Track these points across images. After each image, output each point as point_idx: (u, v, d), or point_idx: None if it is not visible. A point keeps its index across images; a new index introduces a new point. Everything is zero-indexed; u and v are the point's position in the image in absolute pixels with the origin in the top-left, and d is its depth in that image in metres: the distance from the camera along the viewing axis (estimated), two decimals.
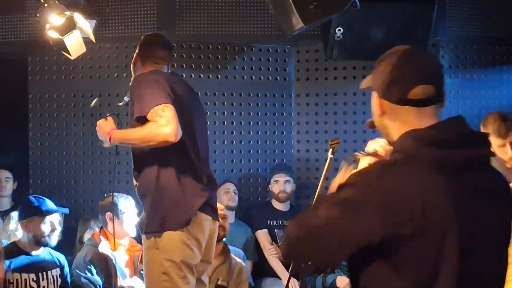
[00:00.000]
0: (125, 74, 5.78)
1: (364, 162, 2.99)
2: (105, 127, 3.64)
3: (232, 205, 5.96)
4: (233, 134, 6.39)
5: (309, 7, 3.23)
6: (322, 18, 3.37)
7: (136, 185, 3.74)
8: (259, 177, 6.48)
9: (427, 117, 2.00)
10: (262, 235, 5.94)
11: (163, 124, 3.35)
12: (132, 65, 3.92)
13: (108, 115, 3.72)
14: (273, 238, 5.91)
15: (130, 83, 3.78)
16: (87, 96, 6.02)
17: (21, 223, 4.60)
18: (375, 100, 2.10)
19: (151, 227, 3.58)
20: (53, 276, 4.59)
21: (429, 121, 1.99)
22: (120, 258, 4.76)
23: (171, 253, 3.53)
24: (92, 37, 3.91)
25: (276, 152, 6.51)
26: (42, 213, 4.52)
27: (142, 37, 4.02)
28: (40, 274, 4.54)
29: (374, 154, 2.95)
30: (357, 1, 3.46)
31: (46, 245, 4.57)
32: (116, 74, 6.03)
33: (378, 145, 2.99)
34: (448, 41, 6.12)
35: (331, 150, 3.28)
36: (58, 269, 4.66)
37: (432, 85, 2.01)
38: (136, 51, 3.91)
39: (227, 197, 5.97)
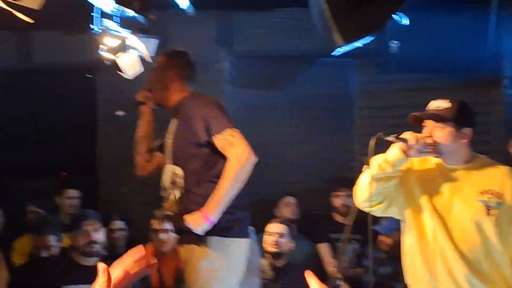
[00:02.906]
0: None
1: (395, 147, 3.09)
2: (194, 216, 3.53)
3: (293, 218, 5.99)
4: (294, 147, 6.43)
5: (350, 24, 3.25)
6: (363, 36, 3.38)
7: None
8: (321, 190, 6.48)
9: None
10: (323, 249, 5.93)
11: (240, 153, 3.44)
12: (163, 82, 3.84)
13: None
14: (334, 252, 5.89)
15: (183, 104, 3.74)
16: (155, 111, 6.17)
17: None
18: None
19: None
20: None
21: None
22: None
23: None
24: (148, 57, 4.03)
25: (337, 164, 6.50)
26: None
27: (171, 53, 3.95)
28: None
29: (404, 140, 3.06)
30: (400, 18, 3.45)
31: None
32: None
33: (410, 135, 3.06)
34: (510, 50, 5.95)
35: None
36: None
37: None
38: (172, 68, 3.84)
39: (287, 210, 6.00)
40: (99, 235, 4.76)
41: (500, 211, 3.11)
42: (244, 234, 3.67)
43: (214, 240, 3.56)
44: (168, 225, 5.02)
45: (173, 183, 3.76)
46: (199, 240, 3.57)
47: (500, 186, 3.14)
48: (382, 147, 3.19)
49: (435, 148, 3.17)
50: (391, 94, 6.37)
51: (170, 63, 3.87)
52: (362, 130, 6.49)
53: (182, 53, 3.96)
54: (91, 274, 4.63)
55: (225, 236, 3.57)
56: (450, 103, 3.19)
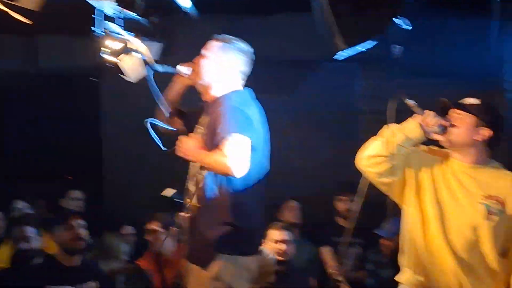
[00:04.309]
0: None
1: (414, 122, 3.08)
2: (187, 143, 3.52)
3: (296, 222, 6.00)
4: (299, 151, 6.44)
5: (351, 28, 3.26)
6: (365, 40, 3.39)
7: None
8: (324, 194, 6.49)
9: None
10: (326, 252, 5.94)
11: (225, 155, 3.29)
12: (212, 68, 3.65)
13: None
14: (337, 255, 5.90)
15: (219, 101, 3.56)
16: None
17: None
18: None
19: None
20: None
21: None
22: None
23: None
24: (152, 60, 4.01)
25: (341, 169, 6.49)
26: None
27: (228, 39, 3.73)
28: None
29: (422, 111, 3.05)
30: (402, 22, 3.46)
31: None
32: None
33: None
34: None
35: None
36: None
37: None
38: (222, 55, 3.65)
39: (290, 214, 6.01)
40: (84, 231, 4.70)
41: (500, 219, 3.13)
42: (252, 251, 3.60)
43: (223, 257, 3.45)
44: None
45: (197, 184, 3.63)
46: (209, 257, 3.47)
47: (505, 194, 3.16)
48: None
49: (449, 135, 3.17)
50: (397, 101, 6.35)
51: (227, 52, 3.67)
52: (366, 135, 6.44)
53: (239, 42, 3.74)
54: (75, 275, 4.66)
55: (233, 253, 3.46)
56: (480, 101, 3.22)
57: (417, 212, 3.24)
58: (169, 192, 4.08)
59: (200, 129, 3.69)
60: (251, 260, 3.55)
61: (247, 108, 3.55)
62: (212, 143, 3.42)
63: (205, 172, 3.54)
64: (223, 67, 3.65)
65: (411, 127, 3.17)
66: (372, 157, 3.21)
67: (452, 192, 3.20)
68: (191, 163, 3.70)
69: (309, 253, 5.92)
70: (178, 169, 5.39)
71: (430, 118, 3.13)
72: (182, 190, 3.75)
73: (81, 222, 4.72)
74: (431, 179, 3.23)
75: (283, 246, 5.09)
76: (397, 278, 3.39)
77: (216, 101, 3.60)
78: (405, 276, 3.34)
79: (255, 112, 3.64)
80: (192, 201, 3.61)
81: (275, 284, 5.07)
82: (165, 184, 6.33)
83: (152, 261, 5.15)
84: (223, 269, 3.42)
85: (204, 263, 3.46)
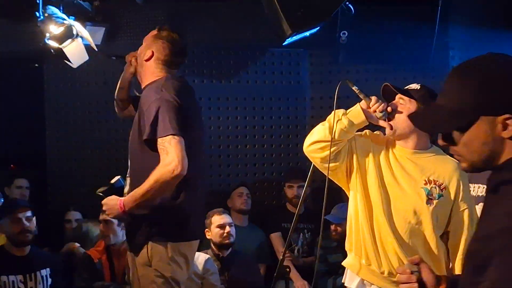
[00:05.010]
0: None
1: (358, 108, 3.10)
2: (112, 201, 3.50)
3: (245, 208, 5.99)
4: (247, 138, 6.42)
5: (297, 14, 3.24)
6: (311, 25, 3.37)
7: None
8: (274, 181, 6.49)
9: None
10: (276, 238, 5.95)
11: (167, 163, 3.32)
12: (141, 60, 3.68)
13: (101, 192, 3.60)
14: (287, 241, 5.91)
15: (145, 90, 3.62)
16: (102, 102, 6.10)
17: None
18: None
19: None
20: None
21: None
22: None
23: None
24: (94, 45, 3.94)
25: (290, 155, 6.51)
26: None
27: (161, 31, 3.71)
28: None
29: (367, 97, 3.07)
30: (351, 7, 3.45)
31: None
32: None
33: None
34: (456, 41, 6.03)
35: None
36: None
37: None
38: (151, 47, 3.66)
39: (240, 200, 5.99)
40: (32, 224, 4.68)
41: (439, 203, 3.20)
42: (187, 237, 3.63)
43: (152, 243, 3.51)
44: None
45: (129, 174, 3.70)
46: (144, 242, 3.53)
47: (446, 179, 3.23)
48: None
49: (392, 121, 3.19)
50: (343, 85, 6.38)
51: (155, 41, 3.70)
52: (314, 121, 6.48)
53: (172, 35, 3.73)
54: (25, 264, 4.62)
55: (162, 240, 3.51)
56: (420, 86, 3.24)
57: (362, 197, 3.27)
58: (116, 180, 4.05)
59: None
60: (186, 246, 3.58)
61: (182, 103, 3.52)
62: (136, 133, 3.49)
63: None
64: (149, 56, 3.68)
65: (355, 113, 3.18)
66: (316, 142, 3.22)
67: (395, 177, 3.25)
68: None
69: (260, 239, 5.92)
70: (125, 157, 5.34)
71: (374, 104, 3.15)
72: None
73: (28, 214, 4.65)
74: (376, 164, 3.26)
75: (226, 229, 5.16)
76: (343, 263, 3.44)
77: (147, 86, 3.64)
78: (349, 260, 3.38)
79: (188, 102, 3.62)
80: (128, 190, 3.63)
81: (221, 270, 5.08)
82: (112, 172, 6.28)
83: (103, 250, 5.08)
84: (151, 254, 3.49)
85: (136, 250, 3.56)
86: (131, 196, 3.45)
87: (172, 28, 3.71)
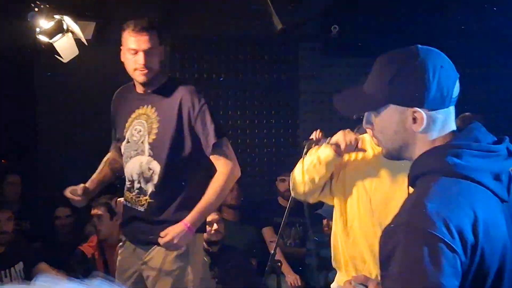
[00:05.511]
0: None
1: (328, 148, 3.10)
2: (176, 230, 3.39)
3: (236, 203, 5.98)
4: (238, 132, 6.42)
5: (288, 8, 3.24)
6: (301, 19, 3.37)
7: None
8: (265, 175, 6.49)
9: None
10: (268, 232, 5.95)
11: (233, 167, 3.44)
12: (160, 62, 3.53)
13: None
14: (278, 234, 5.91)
15: (187, 90, 3.55)
16: (94, 97, 6.07)
17: None
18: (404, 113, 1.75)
19: None
20: None
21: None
22: None
23: None
24: (84, 40, 3.93)
25: (282, 149, 6.52)
26: None
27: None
28: None
29: (336, 145, 3.07)
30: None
31: None
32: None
33: (342, 138, 3.07)
34: None
35: (306, 150, 3.24)
36: None
37: None
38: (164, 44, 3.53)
39: (230, 195, 5.98)
40: (9, 226, 4.70)
41: None
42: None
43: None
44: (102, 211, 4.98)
45: (143, 176, 3.57)
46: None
47: None
48: None
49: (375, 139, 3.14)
50: (334, 78, 6.40)
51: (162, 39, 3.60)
52: (306, 114, 6.52)
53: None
54: (1, 261, 4.61)
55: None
56: None
57: (344, 207, 3.22)
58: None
59: (142, 124, 3.64)
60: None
61: None
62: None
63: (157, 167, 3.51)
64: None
65: (326, 154, 3.13)
66: (302, 196, 3.23)
67: (385, 193, 3.12)
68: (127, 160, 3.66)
69: (251, 234, 5.92)
70: None
71: (344, 146, 3.10)
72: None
73: (5, 215, 4.66)
74: (359, 183, 3.17)
75: (213, 226, 5.14)
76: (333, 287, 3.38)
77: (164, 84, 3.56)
78: (339, 278, 3.33)
79: None
80: (146, 197, 3.56)
81: (211, 266, 5.08)
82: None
83: (96, 246, 5.08)
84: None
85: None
86: (198, 213, 3.41)
87: (164, 20, 3.68)
